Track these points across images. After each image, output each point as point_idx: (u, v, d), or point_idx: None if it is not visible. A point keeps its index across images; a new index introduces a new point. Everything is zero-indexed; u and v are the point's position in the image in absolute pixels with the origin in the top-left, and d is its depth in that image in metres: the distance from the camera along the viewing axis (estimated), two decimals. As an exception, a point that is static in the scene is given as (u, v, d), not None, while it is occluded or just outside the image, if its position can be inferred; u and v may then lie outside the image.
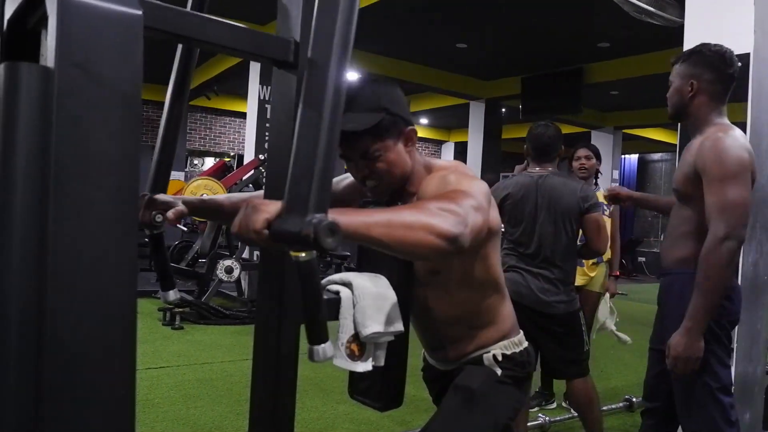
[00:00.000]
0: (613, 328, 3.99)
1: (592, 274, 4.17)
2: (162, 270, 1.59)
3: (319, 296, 1.01)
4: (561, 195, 3.02)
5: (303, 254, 0.95)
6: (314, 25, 1.01)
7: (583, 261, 4.05)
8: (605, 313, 4.02)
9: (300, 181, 0.96)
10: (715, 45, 2.26)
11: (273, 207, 0.97)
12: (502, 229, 2.93)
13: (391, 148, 1.53)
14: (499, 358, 1.65)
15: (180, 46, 1.65)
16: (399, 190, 1.60)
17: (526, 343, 1.72)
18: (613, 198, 2.93)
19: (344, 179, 1.84)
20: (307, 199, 0.94)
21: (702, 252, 2.11)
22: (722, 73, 2.24)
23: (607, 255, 4.14)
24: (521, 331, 1.74)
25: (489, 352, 1.66)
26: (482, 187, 1.44)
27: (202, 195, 6.72)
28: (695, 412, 2.24)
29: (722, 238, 2.07)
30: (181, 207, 1.57)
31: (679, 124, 2.92)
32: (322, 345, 1.03)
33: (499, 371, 1.64)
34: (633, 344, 4.01)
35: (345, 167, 1.62)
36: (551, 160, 3.18)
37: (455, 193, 1.34)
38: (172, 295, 1.58)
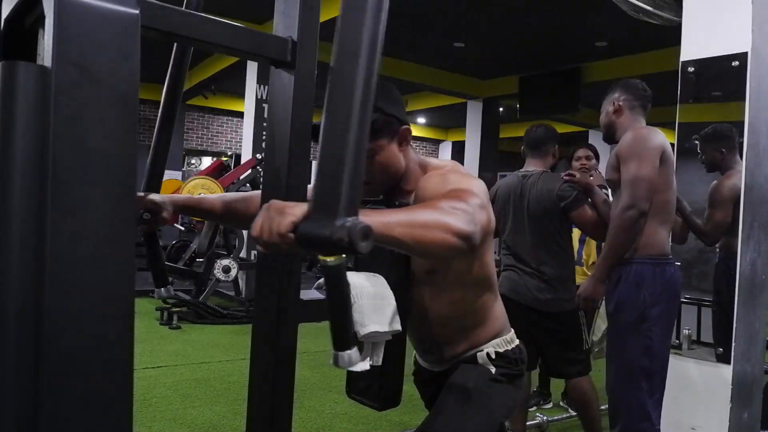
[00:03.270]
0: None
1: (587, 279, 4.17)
2: (155, 267, 1.60)
3: (346, 301, 0.98)
4: (540, 196, 3.07)
5: (332, 259, 0.91)
6: (341, 20, 0.98)
7: (583, 260, 4.06)
8: (604, 317, 4.01)
9: (329, 182, 0.91)
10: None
11: (299, 209, 0.92)
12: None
13: (385, 148, 1.54)
14: (493, 356, 1.66)
15: (174, 46, 1.64)
16: (394, 189, 1.60)
17: (517, 341, 1.73)
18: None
19: None
20: (337, 201, 0.89)
21: (612, 217, 2.57)
22: (639, 94, 2.75)
23: None
24: (512, 330, 1.75)
25: (482, 350, 1.66)
26: (482, 185, 1.46)
27: (199, 194, 6.72)
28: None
29: (625, 208, 2.47)
30: (164, 215, 1.58)
31: (677, 123, 2.94)
32: (348, 351, 1.00)
33: (493, 369, 1.65)
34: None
35: None
36: (543, 155, 3.20)
37: (461, 192, 1.34)
38: (165, 292, 1.60)
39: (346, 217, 0.88)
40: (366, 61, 0.95)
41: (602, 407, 3.64)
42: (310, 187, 1.80)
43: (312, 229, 0.90)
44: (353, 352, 1.01)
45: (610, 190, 3.33)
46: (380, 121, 1.51)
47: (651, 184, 2.47)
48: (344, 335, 1.00)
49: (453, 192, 1.36)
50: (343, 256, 0.91)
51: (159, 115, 1.61)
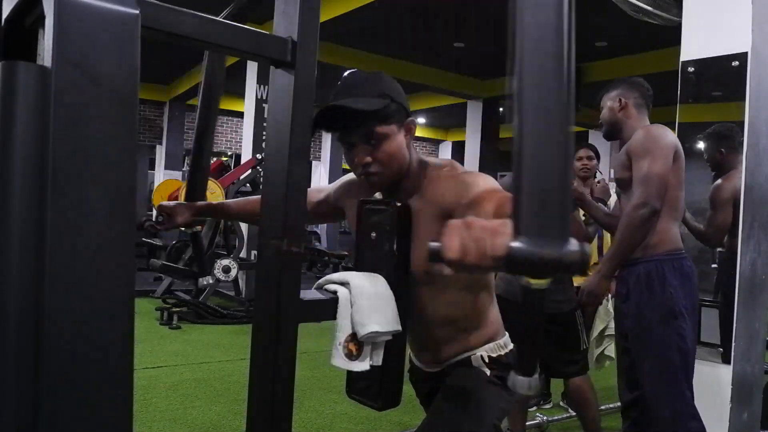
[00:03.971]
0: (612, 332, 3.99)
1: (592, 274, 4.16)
2: (199, 261, 1.87)
3: (541, 325, 0.94)
4: None
5: (541, 282, 0.85)
6: (531, 22, 0.89)
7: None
8: (604, 317, 4.01)
9: (543, 201, 0.83)
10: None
11: (508, 229, 0.84)
12: None
13: (395, 135, 1.54)
14: (487, 360, 1.66)
15: (206, 54, 1.68)
16: (395, 186, 1.60)
17: (511, 346, 1.73)
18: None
19: (330, 188, 1.88)
20: (561, 222, 0.83)
21: (623, 215, 2.50)
22: (644, 93, 2.72)
23: None
24: (507, 334, 1.74)
25: (476, 353, 1.66)
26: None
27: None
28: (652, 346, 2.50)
29: (638, 206, 2.42)
30: (179, 219, 1.82)
31: (677, 123, 2.94)
32: (531, 378, 0.93)
33: (488, 372, 1.65)
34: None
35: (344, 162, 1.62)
36: None
37: (502, 195, 1.36)
38: (205, 280, 1.89)
39: (566, 238, 0.82)
40: (568, 64, 0.85)
41: (602, 407, 3.65)
42: (310, 190, 1.82)
43: (534, 252, 0.81)
44: (533, 380, 0.94)
45: (613, 198, 3.33)
46: (392, 106, 1.52)
47: (664, 182, 2.44)
48: (533, 361, 0.95)
49: (494, 195, 1.38)
50: (549, 279, 0.86)
51: (195, 126, 1.68)
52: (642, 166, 2.46)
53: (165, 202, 1.86)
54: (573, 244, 0.80)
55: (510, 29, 0.86)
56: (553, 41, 0.83)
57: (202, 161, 1.82)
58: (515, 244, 0.81)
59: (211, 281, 2.06)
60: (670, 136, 2.51)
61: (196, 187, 1.85)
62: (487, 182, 1.47)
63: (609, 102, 2.75)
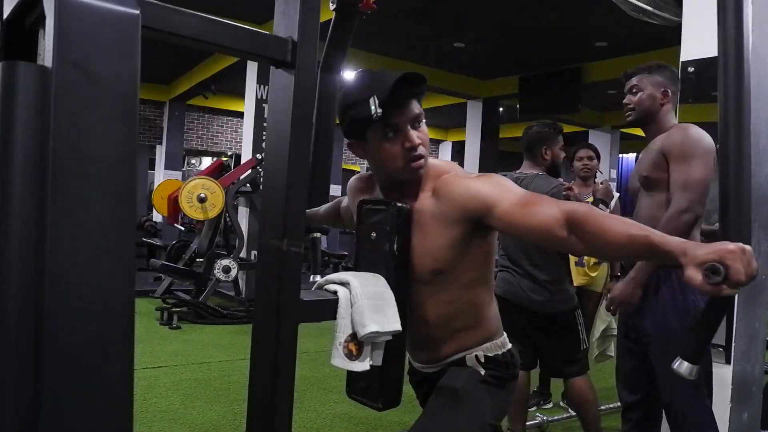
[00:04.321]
0: (614, 333, 3.99)
1: (594, 274, 4.17)
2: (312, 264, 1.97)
3: (717, 326, 1.16)
4: None
5: (728, 290, 1.04)
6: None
7: (584, 261, 4.05)
8: (604, 317, 4.02)
9: (737, 213, 1.04)
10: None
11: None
12: None
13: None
14: (482, 360, 1.65)
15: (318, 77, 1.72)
16: (398, 185, 1.59)
17: (509, 345, 1.72)
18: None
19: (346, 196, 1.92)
20: (748, 229, 1.03)
21: (663, 220, 2.32)
22: (678, 88, 2.58)
23: None
24: (504, 334, 1.73)
25: (471, 353, 1.65)
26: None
27: (199, 194, 6.72)
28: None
29: (682, 211, 2.29)
30: None
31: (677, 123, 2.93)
32: (694, 366, 1.18)
33: (482, 371, 1.64)
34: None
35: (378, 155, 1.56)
36: (533, 158, 3.18)
37: (534, 195, 1.45)
38: (319, 278, 1.95)
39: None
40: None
41: (602, 407, 3.65)
42: (339, 199, 1.87)
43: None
44: (695, 368, 1.17)
45: (614, 199, 3.30)
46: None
47: (706, 187, 2.33)
48: (700, 352, 1.16)
49: (526, 197, 1.46)
50: None
51: (314, 132, 1.71)
52: (684, 170, 2.34)
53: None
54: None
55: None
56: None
57: (320, 171, 1.83)
58: None
59: (320, 278, 2.08)
60: (708, 139, 2.41)
61: (314, 194, 1.91)
62: (509, 184, 1.50)
63: (652, 88, 2.53)
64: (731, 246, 1.05)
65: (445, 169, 1.60)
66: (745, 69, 0.95)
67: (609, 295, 2.49)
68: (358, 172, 1.76)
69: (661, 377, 2.42)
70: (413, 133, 1.51)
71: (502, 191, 1.47)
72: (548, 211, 1.35)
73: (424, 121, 1.55)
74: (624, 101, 2.59)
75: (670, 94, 2.50)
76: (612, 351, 3.63)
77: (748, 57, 0.94)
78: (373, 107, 1.43)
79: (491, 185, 1.49)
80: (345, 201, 1.96)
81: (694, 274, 1.07)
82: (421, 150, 1.52)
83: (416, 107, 1.52)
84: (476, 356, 1.65)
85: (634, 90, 2.55)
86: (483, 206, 1.46)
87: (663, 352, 2.39)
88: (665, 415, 2.43)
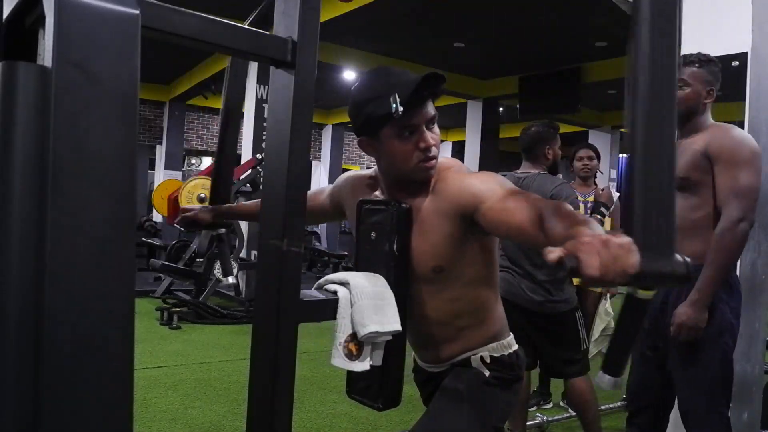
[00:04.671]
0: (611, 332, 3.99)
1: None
2: (223, 262, 2.17)
3: (637, 333, 1.02)
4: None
5: (650, 293, 0.94)
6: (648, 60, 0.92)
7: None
8: (604, 317, 4.01)
9: (656, 217, 0.91)
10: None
11: (634, 245, 0.90)
12: None
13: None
14: (487, 360, 1.64)
15: (230, 60, 1.72)
16: (402, 184, 1.59)
17: (515, 346, 1.71)
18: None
19: (331, 188, 1.89)
20: (670, 237, 0.90)
21: (717, 231, 2.20)
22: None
23: None
24: (511, 334, 1.72)
25: (477, 353, 1.64)
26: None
27: (199, 194, 6.72)
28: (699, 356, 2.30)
29: (737, 220, 2.17)
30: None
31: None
32: (615, 378, 1.03)
33: (487, 373, 1.63)
34: (631, 343, 4.01)
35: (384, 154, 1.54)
36: (534, 158, 3.18)
37: (526, 196, 1.40)
38: (230, 279, 2.19)
39: (674, 251, 0.90)
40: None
41: (602, 407, 3.65)
42: (311, 191, 1.83)
43: (654, 266, 0.89)
44: (619, 380, 1.05)
45: (615, 203, 3.26)
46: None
47: (757, 192, 2.24)
48: (622, 363, 1.03)
49: (519, 195, 1.41)
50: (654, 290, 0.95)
51: (219, 130, 1.75)
52: (733, 176, 2.21)
53: (187, 206, 1.98)
54: (678, 257, 0.88)
55: (628, 51, 0.94)
56: (668, 58, 0.91)
57: (225, 164, 1.86)
58: (641, 260, 0.89)
59: (232, 281, 2.16)
60: (753, 141, 2.30)
61: (219, 190, 1.90)
62: (503, 182, 1.48)
63: (699, 85, 2.36)
64: (587, 238, 0.94)
65: (447, 165, 1.60)
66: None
67: (675, 320, 2.26)
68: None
69: (680, 385, 2.36)
70: (428, 134, 1.50)
71: (491, 189, 1.45)
72: (524, 209, 1.33)
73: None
74: None
75: (714, 92, 2.37)
76: None
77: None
78: (394, 105, 1.40)
79: (483, 182, 1.49)
80: (328, 193, 1.90)
81: (553, 257, 0.95)
82: (434, 151, 1.51)
83: (432, 108, 1.51)
84: (481, 357, 1.64)
85: (681, 84, 2.36)
86: (473, 202, 1.46)
87: (684, 360, 2.33)
88: (683, 421, 2.37)
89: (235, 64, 1.71)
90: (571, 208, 1.22)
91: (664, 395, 2.48)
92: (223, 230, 2.03)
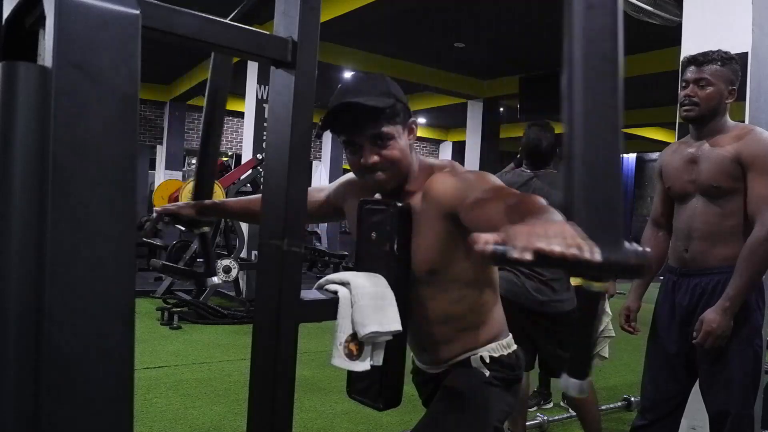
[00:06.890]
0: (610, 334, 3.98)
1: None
2: (207, 262, 2.18)
3: (595, 329, 0.96)
4: (541, 195, 3.02)
5: (599, 285, 0.87)
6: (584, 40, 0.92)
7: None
8: (601, 318, 4.01)
9: (601, 205, 0.87)
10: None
11: (575, 229, 0.84)
12: None
13: (401, 135, 1.54)
14: (487, 360, 1.63)
15: (212, 55, 1.73)
16: (397, 187, 1.59)
17: (514, 346, 1.71)
18: None
19: (330, 188, 1.89)
20: (617, 225, 0.86)
21: (751, 240, 2.16)
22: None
23: None
24: (510, 334, 1.72)
25: (476, 354, 1.64)
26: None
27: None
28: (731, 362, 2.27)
29: None
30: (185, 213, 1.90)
31: (678, 123, 2.93)
32: (582, 381, 0.95)
33: (487, 373, 1.63)
34: (631, 343, 4.01)
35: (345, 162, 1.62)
36: (549, 162, 3.19)
37: (508, 192, 1.37)
38: (215, 279, 2.15)
39: (623, 240, 0.84)
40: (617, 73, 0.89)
41: (602, 407, 3.65)
42: (311, 190, 1.83)
43: (612, 257, 0.83)
44: (586, 383, 0.96)
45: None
46: (399, 106, 1.52)
47: None
48: (587, 364, 0.96)
49: (501, 192, 1.37)
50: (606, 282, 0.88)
51: (202, 127, 1.74)
52: (766, 184, 2.15)
53: (168, 204, 1.93)
54: (630, 246, 0.83)
55: (564, 31, 0.91)
56: (608, 43, 0.88)
57: (208, 161, 1.86)
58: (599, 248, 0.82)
59: (217, 281, 2.21)
60: None
61: (202, 187, 1.89)
62: (490, 180, 1.47)
63: (722, 84, 2.27)
64: (518, 225, 0.89)
65: (441, 166, 1.60)
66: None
67: (703, 327, 2.22)
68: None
69: (714, 387, 2.31)
70: (370, 151, 1.51)
71: (473, 187, 1.44)
72: (502, 206, 1.28)
73: (397, 138, 1.52)
74: (687, 92, 2.31)
75: (735, 92, 2.29)
76: (606, 352, 3.63)
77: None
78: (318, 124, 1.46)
79: (466, 181, 1.48)
80: (327, 192, 1.90)
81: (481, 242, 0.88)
82: (377, 170, 1.52)
83: (380, 126, 1.49)
84: (481, 357, 1.64)
85: (703, 83, 2.28)
86: (454, 202, 1.45)
87: (717, 362, 2.29)
88: (712, 422, 2.31)
89: (217, 60, 1.72)
90: (541, 200, 1.15)
91: (680, 404, 2.45)
92: (206, 229, 2.01)
